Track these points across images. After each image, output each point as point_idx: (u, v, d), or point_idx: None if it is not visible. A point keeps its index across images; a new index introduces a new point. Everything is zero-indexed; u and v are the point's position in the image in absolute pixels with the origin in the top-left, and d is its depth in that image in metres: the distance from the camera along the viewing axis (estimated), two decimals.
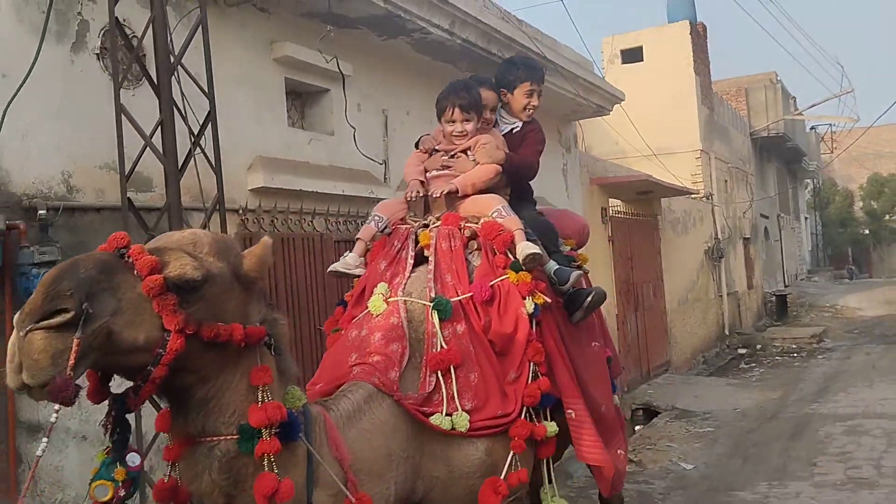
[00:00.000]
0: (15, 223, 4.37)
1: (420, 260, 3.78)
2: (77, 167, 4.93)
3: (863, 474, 7.88)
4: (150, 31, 4.90)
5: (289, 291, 6.36)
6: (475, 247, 3.79)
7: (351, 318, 3.71)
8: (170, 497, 2.71)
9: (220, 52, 5.66)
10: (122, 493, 2.54)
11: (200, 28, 4.83)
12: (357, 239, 4.02)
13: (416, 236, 3.82)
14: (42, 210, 4.50)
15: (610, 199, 13.83)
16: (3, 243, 4.29)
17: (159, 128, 4.86)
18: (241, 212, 6.06)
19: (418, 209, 3.94)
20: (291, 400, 2.74)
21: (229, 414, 2.57)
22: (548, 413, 3.62)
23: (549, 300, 3.75)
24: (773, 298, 25.85)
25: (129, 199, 4.71)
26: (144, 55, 5.11)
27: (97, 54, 5.11)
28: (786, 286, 29.39)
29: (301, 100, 7.34)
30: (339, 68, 6.23)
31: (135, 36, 5.14)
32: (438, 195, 3.87)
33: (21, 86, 4.30)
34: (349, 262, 3.95)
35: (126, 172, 4.66)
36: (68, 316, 2.19)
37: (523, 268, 3.68)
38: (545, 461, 3.64)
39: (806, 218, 40.66)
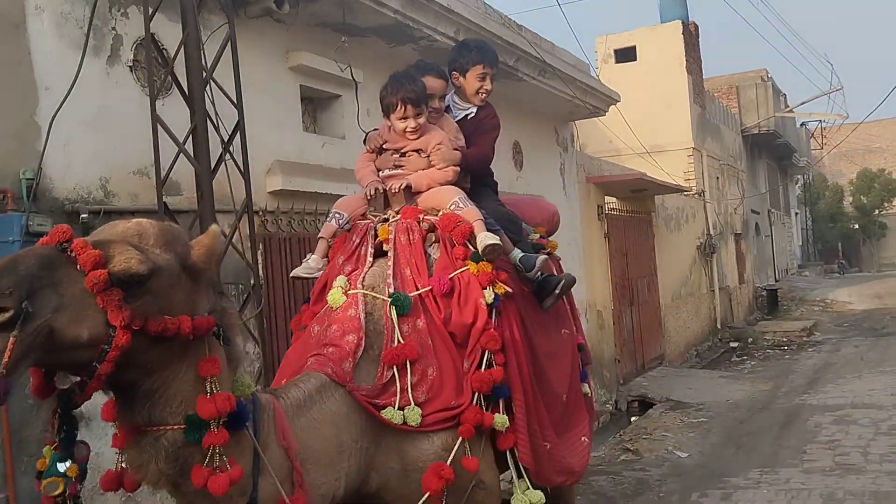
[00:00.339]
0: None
1: (380, 254, 3.75)
2: (113, 173, 5.25)
3: (850, 461, 8.23)
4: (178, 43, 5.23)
5: (306, 289, 6.66)
6: (433, 239, 3.76)
7: (313, 314, 3.68)
8: (117, 485, 2.71)
9: (240, 62, 5.97)
10: (78, 487, 2.50)
11: (229, 44, 5.14)
12: (319, 238, 4.01)
13: (376, 231, 3.78)
14: (84, 214, 4.82)
15: (605, 197, 14.18)
16: None
17: (189, 135, 5.17)
18: (260, 213, 6.38)
19: (378, 205, 3.88)
20: (240, 388, 2.71)
21: (176, 404, 2.54)
22: (501, 405, 3.56)
23: (510, 289, 3.72)
24: (764, 293, 26.26)
25: (165, 203, 5.03)
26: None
27: (130, 67, 5.44)
28: (776, 281, 29.82)
29: (313, 105, 7.67)
30: (352, 76, 6.54)
31: (164, 49, 5.46)
32: (397, 190, 3.83)
33: (65, 98, 4.61)
34: (311, 264, 3.95)
35: (162, 177, 4.97)
36: (7, 315, 2.15)
37: (483, 258, 3.65)
38: (508, 453, 3.57)
39: (796, 213, 41.06)
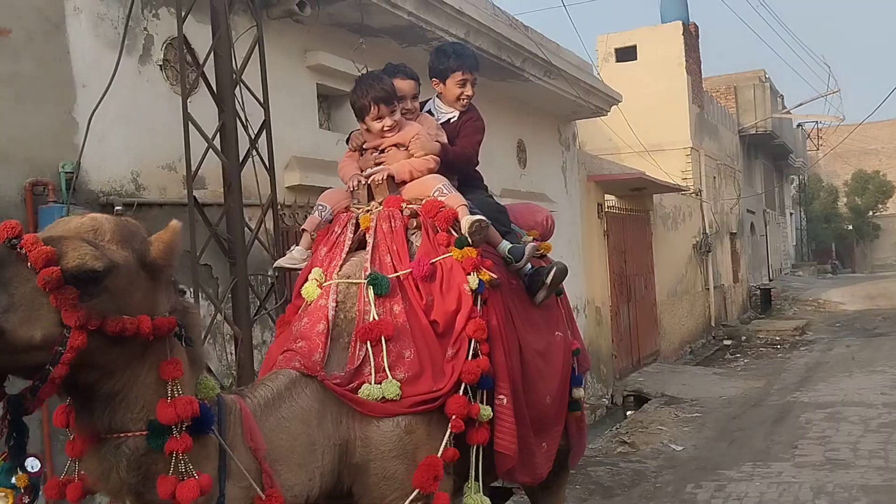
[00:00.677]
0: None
1: (362, 245, 3.65)
2: (143, 167, 5.50)
3: (840, 456, 8.49)
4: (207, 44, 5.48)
5: None
6: (415, 226, 3.65)
7: (296, 308, 3.58)
8: (59, 494, 2.59)
9: (255, 60, 6.22)
10: (25, 499, 2.37)
11: (257, 46, 5.40)
12: (302, 230, 3.95)
13: (357, 221, 3.69)
14: (118, 206, 5.06)
15: (605, 195, 14.47)
16: None
17: (217, 132, 5.43)
18: (279, 207, 6.62)
19: (362, 197, 3.77)
20: (204, 390, 2.61)
21: (138, 409, 2.41)
22: (484, 396, 3.42)
23: (496, 276, 3.59)
24: (758, 292, 26.59)
25: (194, 196, 5.28)
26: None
27: (160, 65, 5.69)
28: (770, 280, 30.14)
29: (328, 102, 7.91)
30: None
31: (193, 49, 5.70)
32: (380, 180, 3.71)
33: (103, 95, 4.85)
34: (295, 255, 3.86)
35: (192, 172, 5.22)
36: None
37: (469, 241, 3.53)
38: (474, 449, 3.37)
39: (791, 213, 41.38)
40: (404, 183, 3.77)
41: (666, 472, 8.52)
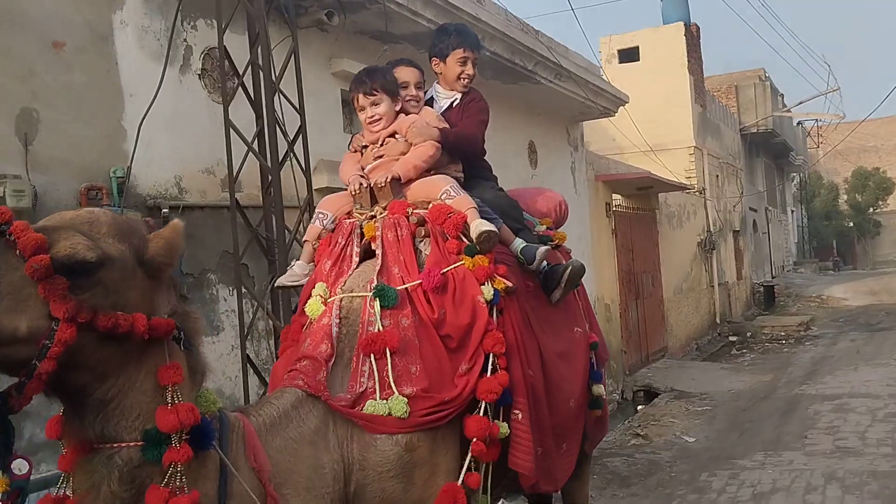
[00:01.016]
0: (146, 219, 5.18)
1: (368, 256, 3.44)
2: (185, 172, 5.77)
3: (849, 444, 8.75)
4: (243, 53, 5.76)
5: None
6: (424, 234, 3.44)
7: (301, 326, 3.37)
8: None
9: (289, 68, 6.48)
10: None
11: (293, 56, 5.68)
12: (303, 241, 3.77)
13: (361, 229, 3.46)
14: (165, 209, 5.33)
15: (613, 195, 14.76)
16: None
17: (255, 137, 5.70)
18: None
19: (364, 201, 3.55)
20: (204, 404, 2.43)
21: (133, 417, 2.25)
22: (501, 412, 3.23)
23: (511, 284, 3.41)
24: (761, 289, 26.81)
25: (237, 200, 5.56)
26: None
27: (198, 74, 5.96)
28: (773, 277, 30.36)
29: (349, 107, 8.16)
30: None
31: (230, 58, 5.98)
32: (383, 183, 3.50)
33: (151, 104, 5.12)
34: (296, 271, 3.69)
35: (234, 176, 5.49)
36: None
37: (479, 250, 3.34)
38: (484, 466, 3.17)
39: (792, 211, 41.64)
40: (409, 182, 3.58)
41: (680, 462, 8.79)
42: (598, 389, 4.06)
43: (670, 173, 17.91)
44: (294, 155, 5.68)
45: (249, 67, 5.68)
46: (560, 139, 12.87)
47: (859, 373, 13.29)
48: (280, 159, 5.66)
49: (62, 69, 5.00)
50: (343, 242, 3.44)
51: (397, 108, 3.70)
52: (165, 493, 2.22)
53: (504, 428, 3.18)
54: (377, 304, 3.13)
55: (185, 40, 5.87)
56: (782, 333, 19.78)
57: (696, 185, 20.22)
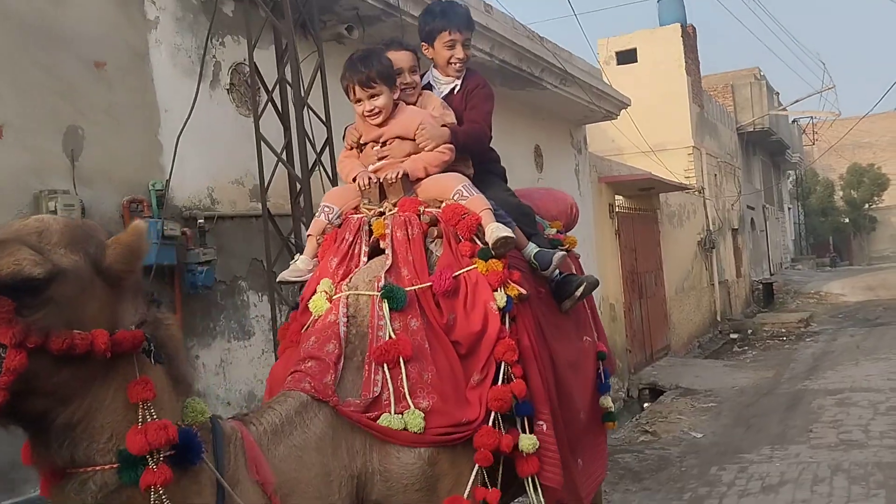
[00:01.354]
0: (184, 230, 5.42)
1: (376, 253, 3.31)
2: (216, 184, 6.00)
3: (853, 437, 9.00)
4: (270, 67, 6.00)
5: None
6: (436, 234, 3.32)
7: (301, 325, 3.24)
8: None
9: (308, 79, 6.72)
10: None
11: (319, 71, 5.92)
12: (308, 236, 3.59)
13: (370, 226, 3.33)
14: (200, 220, 5.56)
15: (615, 196, 15.01)
16: (176, 247, 5.34)
17: (284, 149, 5.95)
18: None
19: (373, 196, 3.39)
20: (192, 414, 2.28)
21: (105, 439, 2.08)
22: (525, 424, 3.10)
23: (525, 292, 3.28)
24: (760, 286, 27.08)
25: (268, 209, 5.80)
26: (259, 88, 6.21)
27: (227, 89, 6.19)
28: (771, 274, 30.65)
29: None
30: None
31: (259, 73, 6.22)
32: (394, 179, 3.34)
33: (187, 119, 5.35)
34: (299, 266, 3.52)
35: (265, 187, 5.74)
36: None
37: (493, 254, 3.21)
38: (529, 480, 3.08)
39: (789, 208, 41.91)
40: (419, 180, 3.44)
41: (689, 457, 9.02)
42: (606, 401, 3.98)
43: (669, 173, 18.17)
44: (322, 164, 5.90)
45: (270, 76, 5.92)
46: (564, 142, 13.11)
47: (860, 367, 13.53)
48: (310, 168, 5.89)
49: (104, 87, 5.23)
50: (350, 239, 3.32)
51: (395, 95, 3.50)
52: None
53: (531, 440, 3.06)
54: (386, 305, 3.01)
55: (213, 56, 6.10)
56: (782, 330, 20.02)
57: (695, 185, 20.48)
